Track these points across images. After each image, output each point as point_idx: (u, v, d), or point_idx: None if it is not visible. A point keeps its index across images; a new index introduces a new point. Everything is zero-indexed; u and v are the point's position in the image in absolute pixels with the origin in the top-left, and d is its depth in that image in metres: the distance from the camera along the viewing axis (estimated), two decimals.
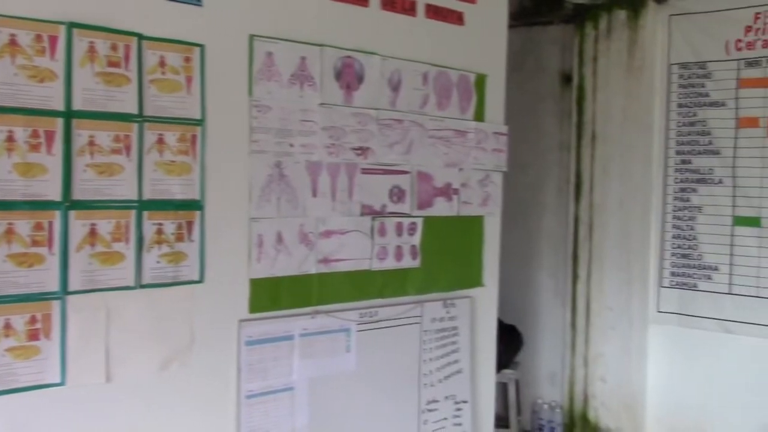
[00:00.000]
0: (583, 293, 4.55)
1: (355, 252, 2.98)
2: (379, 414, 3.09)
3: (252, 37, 2.64)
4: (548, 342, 4.88)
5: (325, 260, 2.88)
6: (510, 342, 4.65)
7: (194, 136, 2.50)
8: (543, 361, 4.92)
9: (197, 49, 2.51)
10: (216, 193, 2.57)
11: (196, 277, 2.53)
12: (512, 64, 4.91)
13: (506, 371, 4.57)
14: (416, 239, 3.21)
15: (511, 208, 4.89)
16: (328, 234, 2.89)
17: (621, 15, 4.41)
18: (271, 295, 2.72)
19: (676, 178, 4.32)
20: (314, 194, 2.84)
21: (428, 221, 3.25)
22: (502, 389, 4.62)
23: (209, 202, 2.55)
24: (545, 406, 4.72)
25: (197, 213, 2.52)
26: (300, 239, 2.80)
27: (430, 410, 3.27)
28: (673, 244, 4.33)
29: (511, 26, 4.78)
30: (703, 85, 4.23)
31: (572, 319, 4.61)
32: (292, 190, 2.78)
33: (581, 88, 4.59)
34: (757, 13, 4.01)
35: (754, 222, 4.03)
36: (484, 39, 3.54)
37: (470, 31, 3.45)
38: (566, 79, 4.77)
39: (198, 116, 2.51)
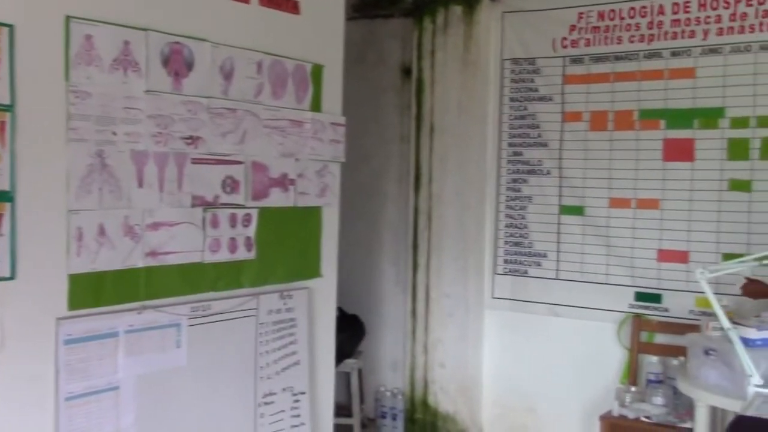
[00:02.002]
0: (423, 281, 4.66)
1: (185, 244, 2.89)
2: (212, 409, 3.02)
3: (68, 18, 2.49)
4: (391, 330, 4.96)
5: (153, 253, 2.78)
6: (352, 331, 4.69)
7: (2, 123, 2.34)
8: (386, 349, 4.99)
9: (5, 30, 2.34)
10: (29, 184, 2.42)
11: (6, 273, 2.36)
12: (354, 56, 4.95)
13: (349, 361, 4.60)
14: (251, 230, 3.16)
15: (353, 199, 4.94)
16: (155, 226, 2.78)
17: (457, 10, 4.53)
18: (93, 290, 2.59)
19: (509, 170, 4.51)
20: (140, 185, 2.73)
21: (264, 212, 3.21)
22: (344, 379, 4.66)
23: (21, 194, 2.39)
24: (388, 394, 4.79)
25: (7, 205, 2.36)
26: (125, 232, 2.68)
27: (267, 403, 3.24)
28: (506, 232, 4.52)
29: (352, 18, 4.83)
30: (532, 81, 4.43)
31: (412, 307, 4.70)
32: (116, 181, 2.65)
33: (420, 81, 4.68)
34: (581, 13, 4.24)
35: (577, 210, 4.27)
36: (321, 29, 3.53)
37: (306, 21, 3.42)
38: (406, 71, 4.85)
39: (7, 101, 2.34)
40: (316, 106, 3.47)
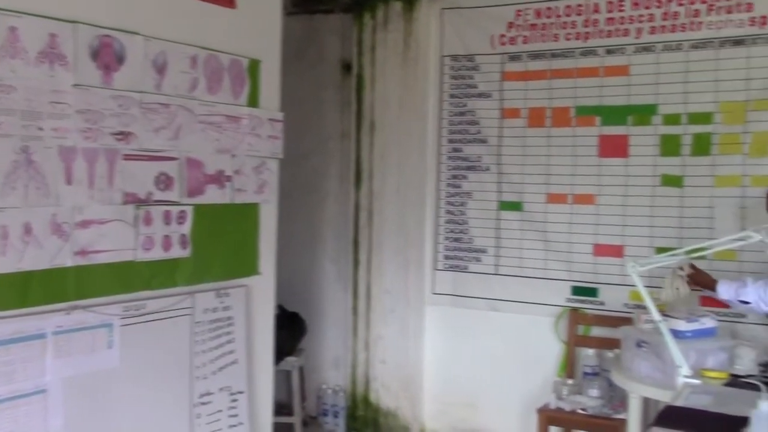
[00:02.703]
0: (364, 278, 4.65)
1: (117, 243, 2.83)
2: (147, 411, 2.97)
3: None
4: (332, 327, 4.94)
5: (83, 252, 2.71)
6: (293, 329, 4.65)
7: None
8: (327, 347, 4.97)
9: None
10: None
11: None
12: (293, 51, 4.91)
13: (289, 359, 4.57)
14: (186, 228, 3.11)
15: (294, 196, 4.91)
16: (85, 224, 2.71)
17: (397, 7, 4.53)
18: (19, 291, 2.51)
19: (449, 166, 4.53)
20: (68, 182, 2.65)
21: (199, 209, 3.16)
22: (285, 377, 4.62)
23: None
24: (329, 391, 4.77)
25: None
26: (52, 230, 2.61)
27: (203, 403, 3.19)
28: (447, 228, 4.54)
29: (291, 13, 4.79)
30: (471, 77, 4.45)
31: (354, 304, 4.69)
32: (43, 178, 2.58)
33: (360, 78, 4.66)
34: (519, 10, 4.28)
35: (516, 206, 4.31)
36: (258, 23, 3.49)
37: (243, 15, 3.38)
38: (347, 68, 4.83)
39: None
40: (253, 101, 3.43)
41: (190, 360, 3.13)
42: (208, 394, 3.22)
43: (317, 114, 4.96)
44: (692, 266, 3.20)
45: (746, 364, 3.01)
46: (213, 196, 3.23)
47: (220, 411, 3.27)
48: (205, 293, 3.21)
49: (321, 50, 4.97)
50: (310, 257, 5.00)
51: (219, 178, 3.26)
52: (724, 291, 3.15)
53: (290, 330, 4.63)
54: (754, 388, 2.34)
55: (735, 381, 2.65)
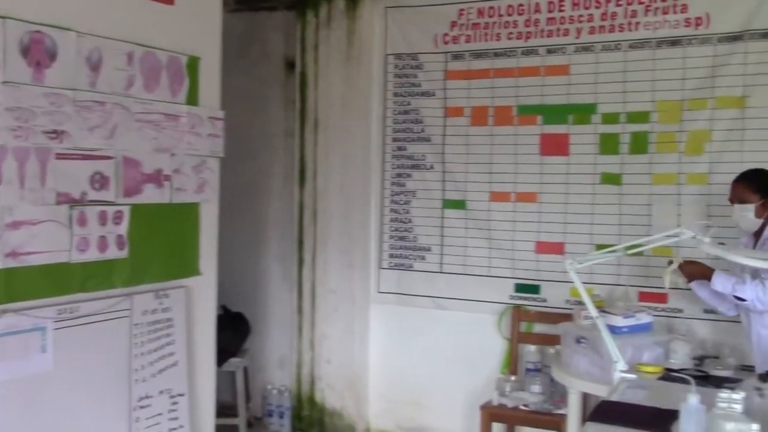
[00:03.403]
0: (309, 277, 4.62)
1: (50, 244, 2.75)
2: (84, 415, 2.90)
3: None
4: (277, 327, 4.91)
5: (14, 254, 2.63)
6: (236, 329, 4.61)
7: None
8: (273, 347, 4.93)
9: None
10: None
11: None
12: (237, 49, 4.87)
13: (233, 359, 4.52)
14: (123, 228, 3.04)
15: (238, 195, 4.86)
16: (16, 225, 2.64)
17: (340, 4, 4.51)
18: None
19: (393, 164, 4.53)
20: None
21: (137, 209, 3.10)
22: (230, 378, 4.58)
23: None
24: (274, 391, 4.74)
25: None
26: None
27: (142, 407, 3.13)
28: (391, 227, 4.54)
29: (234, 10, 4.74)
30: (415, 76, 4.46)
31: (298, 303, 4.66)
32: None
33: (304, 76, 4.63)
34: (461, 10, 4.31)
35: (460, 204, 4.34)
36: (197, 20, 3.44)
37: (181, 11, 3.33)
38: (290, 66, 4.80)
39: None
40: (192, 99, 3.38)
41: (128, 363, 3.07)
42: (148, 397, 3.16)
43: (261, 112, 4.92)
44: (685, 260, 3.22)
45: (681, 358, 3.08)
46: (151, 195, 3.17)
47: (159, 414, 3.22)
48: (144, 294, 3.15)
49: (264, 48, 4.93)
50: (255, 257, 4.95)
51: (157, 178, 3.20)
52: (720, 283, 3.09)
53: (234, 330, 4.58)
54: (687, 381, 2.39)
55: (669, 375, 2.70)
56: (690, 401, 1.96)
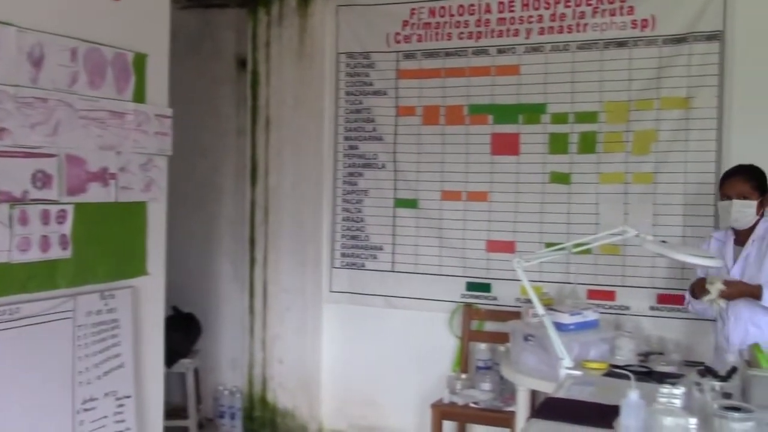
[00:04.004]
0: (261, 276, 4.59)
1: None
2: (25, 419, 2.82)
3: None
4: (229, 328, 4.87)
5: None
6: (187, 330, 4.56)
7: None
8: (224, 347, 4.89)
9: None
10: None
11: None
12: (188, 46, 4.81)
13: (184, 360, 4.47)
14: (66, 228, 2.98)
15: (189, 194, 4.81)
16: None
17: (292, 2, 4.49)
18: None
19: (345, 163, 4.52)
20: None
21: (81, 208, 3.04)
22: (180, 379, 4.52)
23: None
24: (226, 392, 4.69)
25: None
26: None
27: (86, 409, 3.07)
28: (343, 226, 4.53)
29: (185, 7, 4.69)
30: (367, 75, 4.46)
31: (250, 303, 4.63)
32: None
33: (255, 73, 4.60)
34: (413, 9, 4.32)
35: (411, 204, 4.35)
36: (144, 16, 3.38)
37: (127, 7, 3.27)
38: (242, 63, 4.76)
39: None
40: (139, 96, 3.32)
41: (72, 365, 3.01)
42: (93, 399, 3.10)
43: (213, 110, 4.87)
44: (724, 282, 2.99)
45: (626, 354, 3.13)
46: (96, 194, 3.11)
47: (105, 417, 3.16)
48: (89, 295, 3.09)
49: (216, 45, 4.88)
50: (206, 256, 4.90)
51: (102, 176, 3.14)
52: None
53: (184, 331, 4.54)
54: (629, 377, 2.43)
55: (613, 371, 2.74)
56: (630, 397, 1.99)
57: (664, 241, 2.77)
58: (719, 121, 3.70)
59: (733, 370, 2.46)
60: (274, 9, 4.53)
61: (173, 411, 4.55)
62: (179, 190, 4.86)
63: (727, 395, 2.24)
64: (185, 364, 4.49)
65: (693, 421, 1.94)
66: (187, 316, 4.61)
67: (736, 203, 3.07)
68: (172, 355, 4.43)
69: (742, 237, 3.16)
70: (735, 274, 3.10)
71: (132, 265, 3.34)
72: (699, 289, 3.10)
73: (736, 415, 1.95)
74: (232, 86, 4.84)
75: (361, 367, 4.50)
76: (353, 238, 4.51)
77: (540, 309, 2.85)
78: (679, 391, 2.14)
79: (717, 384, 2.25)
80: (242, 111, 4.74)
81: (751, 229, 3.13)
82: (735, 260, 3.14)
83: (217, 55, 4.89)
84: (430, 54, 4.29)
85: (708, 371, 2.47)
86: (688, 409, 2.10)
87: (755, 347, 2.50)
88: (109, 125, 3.16)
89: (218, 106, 4.88)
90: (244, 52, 4.73)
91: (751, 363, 2.44)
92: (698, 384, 2.28)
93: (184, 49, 4.82)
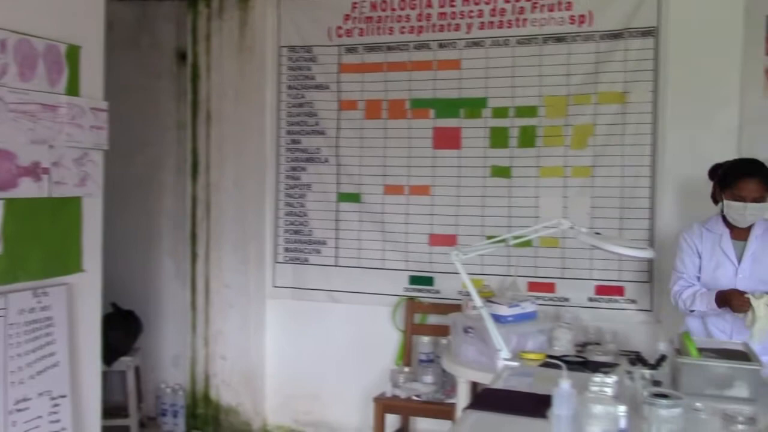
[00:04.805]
0: (203, 272, 4.53)
1: None
2: None
3: None
4: (171, 324, 4.80)
5: None
6: (127, 328, 4.49)
7: None
8: (166, 345, 4.82)
9: None
10: None
11: None
12: (126, 39, 4.73)
13: (124, 358, 4.40)
14: None
15: (129, 189, 4.73)
16: None
17: None
18: None
19: (288, 158, 4.49)
20: None
21: (12, 203, 2.95)
22: (121, 377, 4.45)
23: None
24: (168, 390, 4.63)
25: None
26: None
27: (19, 410, 2.99)
28: (286, 221, 4.50)
29: None
30: (309, 68, 4.44)
31: (192, 300, 4.57)
32: None
33: (196, 67, 4.53)
34: (355, 3, 4.31)
35: (354, 198, 4.34)
36: (78, 8, 3.30)
37: None
38: (182, 56, 4.69)
39: None
40: (72, 89, 3.25)
41: (3, 364, 2.92)
42: (26, 399, 3.02)
43: (152, 104, 4.79)
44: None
45: (563, 345, 3.17)
46: (27, 189, 3.03)
47: (39, 417, 3.08)
48: (21, 293, 3.00)
49: (155, 38, 4.80)
50: (147, 252, 4.82)
51: (34, 171, 3.06)
52: None
53: (125, 329, 4.46)
54: (567, 367, 2.47)
55: (550, 362, 2.77)
56: (561, 386, 2.01)
57: (598, 233, 2.82)
58: (654, 115, 3.78)
59: (662, 358, 2.51)
60: (215, 1, 4.47)
61: (114, 410, 4.47)
62: (117, 185, 4.78)
63: (657, 383, 2.30)
64: (125, 362, 4.41)
65: (622, 409, 1.98)
66: (127, 314, 4.53)
67: (751, 206, 2.90)
68: (111, 353, 4.37)
69: (737, 231, 3.02)
70: (744, 272, 2.97)
71: (66, 261, 3.27)
72: (738, 303, 2.85)
73: (664, 402, 1.99)
74: (171, 80, 4.77)
75: (305, 363, 4.49)
76: (296, 232, 4.48)
77: (478, 301, 2.87)
78: (611, 379, 2.18)
79: (647, 372, 2.30)
80: (182, 105, 4.66)
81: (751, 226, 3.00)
82: (739, 258, 3.00)
83: (157, 48, 4.81)
84: (372, 48, 4.28)
85: (639, 360, 2.53)
86: (620, 397, 2.14)
87: (685, 335, 2.57)
88: (41, 118, 3.08)
89: (158, 100, 4.80)
90: (184, 45, 4.66)
91: (681, 351, 2.50)
92: (629, 372, 2.33)
93: (122, 41, 4.75)
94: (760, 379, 2.37)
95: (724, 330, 3.00)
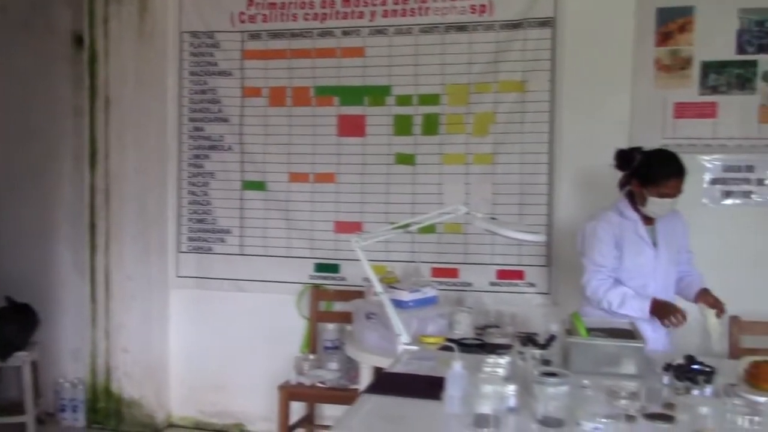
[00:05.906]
0: (103, 264, 4.40)
1: None
2: None
3: None
4: (70, 318, 4.65)
5: None
6: (23, 322, 4.33)
7: None
8: (65, 339, 4.67)
9: None
10: None
11: None
12: (17, 22, 4.55)
13: (20, 353, 4.24)
14: None
15: (23, 178, 4.56)
16: None
17: None
18: None
19: (190, 145, 4.42)
20: None
21: None
22: (16, 373, 4.29)
23: None
24: (67, 385, 4.50)
25: None
26: None
27: None
28: (190, 210, 4.43)
29: None
30: (212, 55, 4.37)
31: (92, 292, 4.43)
32: None
33: (93, 51, 4.37)
34: None
35: (259, 186, 4.30)
36: None
37: None
38: (79, 41, 4.52)
39: None
40: None
41: None
42: None
43: (47, 89, 4.60)
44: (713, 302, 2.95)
45: (463, 328, 3.23)
46: None
47: None
48: None
49: (50, 21, 4.61)
50: (43, 244, 4.65)
51: None
52: None
53: (20, 323, 4.32)
54: (465, 350, 2.52)
55: (447, 345, 2.82)
56: (454, 368, 2.06)
57: (493, 218, 2.88)
58: (551, 104, 3.88)
59: (552, 338, 2.60)
60: None
61: (9, 407, 4.35)
62: (11, 175, 4.62)
63: (547, 362, 2.37)
64: (21, 357, 4.25)
65: (511, 388, 2.04)
66: (22, 307, 4.37)
67: (672, 201, 2.95)
68: (6, 348, 4.23)
69: (646, 216, 3.03)
70: (662, 255, 3.03)
71: None
72: (668, 316, 2.85)
73: (552, 380, 2.06)
74: (67, 64, 4.58)
75: (211, 353, 4.44)
76: (200, 221, 4.41)
77: (378, 287, 2.89)
78: (504, 360, 2.24)
79: (537, 352, 2.38)
80: (79, 90, 4.49)
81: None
82: (654, 242, 3.03)
83: (51, 32, 4.61)
84: (276, 35, 4.25)
85: (530, 341, 2.60)
86: (512, 377, 2.21)
87: (575, 316, 2.66)
88: None
89: (53, 86, 4.61)
90: (80, 29, 4.49)
91: (571, 331, 2.59)
92: (521, 353, 2.40)
93: (13, 24, 4.57)
94: (644, 357, 2.47)
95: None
